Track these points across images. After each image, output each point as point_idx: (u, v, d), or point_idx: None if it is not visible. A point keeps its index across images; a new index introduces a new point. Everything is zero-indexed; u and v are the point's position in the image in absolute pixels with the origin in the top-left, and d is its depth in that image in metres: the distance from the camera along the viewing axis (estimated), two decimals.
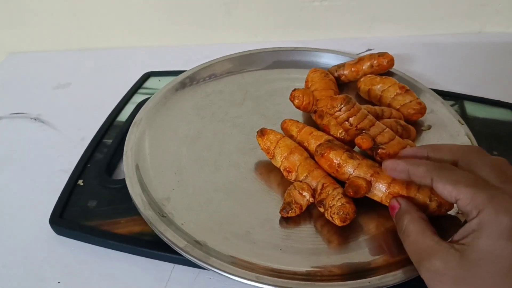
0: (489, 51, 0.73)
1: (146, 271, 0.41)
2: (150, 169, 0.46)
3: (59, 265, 0.41)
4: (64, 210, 0.44)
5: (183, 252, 0.37)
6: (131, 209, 0.42)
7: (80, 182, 0.47)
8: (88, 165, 0.49)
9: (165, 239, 0.38)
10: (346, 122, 0.42)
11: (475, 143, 0.48)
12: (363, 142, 0.41)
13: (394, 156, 0.41)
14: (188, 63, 0.61)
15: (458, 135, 0.49)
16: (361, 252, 0.39)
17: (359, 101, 0.55)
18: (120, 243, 0.41)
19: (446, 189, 0.33)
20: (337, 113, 0.42)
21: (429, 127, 0.51)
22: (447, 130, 0.51)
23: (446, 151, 0.37)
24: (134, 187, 0.43)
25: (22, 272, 0.41)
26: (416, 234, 0.34)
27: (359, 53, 0.70)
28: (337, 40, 0.75)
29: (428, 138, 0.50)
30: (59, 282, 0.40)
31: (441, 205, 0.39)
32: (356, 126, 0.42)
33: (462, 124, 0.50)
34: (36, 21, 0.73)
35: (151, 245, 0.41)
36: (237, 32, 0.75)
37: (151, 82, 0.63)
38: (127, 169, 0.45)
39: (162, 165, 0.47)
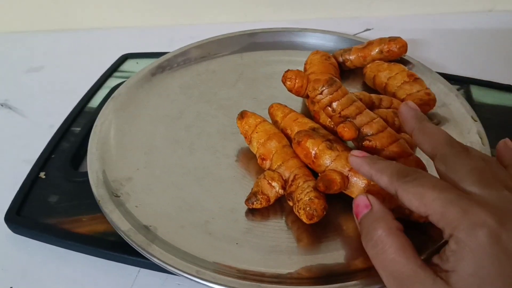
0: (500, 32, 0.67)
1: (109, 275, 0.37)
2: (117, 147, 0.44)
3: (13, 267, 0.38)
4: (22, 206, 0.41)
5: (124, 236, 0.34)
6: (95, 206, 0.38)
7: (42, 174, 0.44)
8: (53, 156, 0.46)
9: (109, 220, 0.36)
10: (328, 107, 0.38)
11: (486, 142, 0.42)
12: (344, 131, 0.36)
13: (381, 148, 0.36)
14: (171, 45, 0.58)
15: (469, 132, 0.43)
16: (329, 255, 0.34)
17: (364, 89, 0.51)
18: (81, 243, 0.38)
19: (412, 205, 0.28)
20: (319, 97, 0.38)
21: (438, 122, 0.46)
22: (457, 127, 0.45)
23: (428, 141, 0.32)
24: (94, 163, 0.41)
25: None
26: (395, 252, 0.28)
27: (356, 33, 0.64)
28: (333, 19, 0.70)
29: None
30: (11, 287, 0.37)
31: None
32: (340, 113, 0.37)
33: (476, 121, 0.44)
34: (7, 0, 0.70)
35: (114, 246, 0.37)
36: (224, 11, 0.71)
37: (128, 65, 0.60)
38: (91, 144, 0.42)
39: (133, 143, 0.44)
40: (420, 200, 0.28)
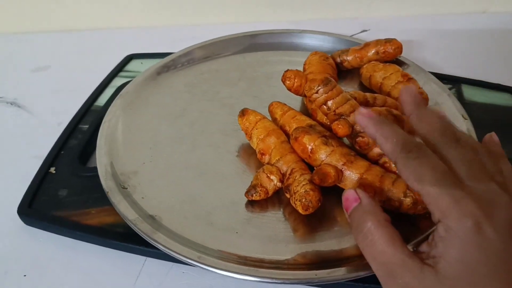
0: (493, 32, 0.68)
1: (117, 264, 0.39)
2: (124, 142, 0.46)
3: (26, 257, 0.40)
4: (33, 199, 0.43)
5: (131, 225, 0.36)
6: (103, 199, 0.40)
7: (52, 170, 0.46)
8: (62, 152, 0.48)
9: (117, 210, 0.38)
10: (324, 105, 0.40)
11: (475, 139, 0.44)
12: (339, 128, 0.39)
13: (374, 144, 0.39)
14: (174, 45, 0.60)
15: None
16: (324, 244, 0.36)
17: (361, 88, 0.53)
18: (90, 234, 0.40)
19: (409, 181, 0.30)
20: (314, 96, 0.40)
21: None
22: None
23: (423, 128, 0.33)
24: (102, 157, 0.43)
25: None
26: (384, 244, 0.29)
27: (353, 35, 0.66)
28: (332, 20, 0.72)
29: None
30: (25, 275, 0.39)
31: (417, 202, 0.35)
32: (334, 111, 0.39)
33: (466, 119, 0.46)
34: (15, 1, 0.72)
35: (122, 237, 0.39)
36: (225, 12, 0.73)
37: (133, 65, 0.62)
38: (100, 139, 0.44)
39: (139, 139, 0.46)
40: (417, 180, 0.29)
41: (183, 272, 0.38)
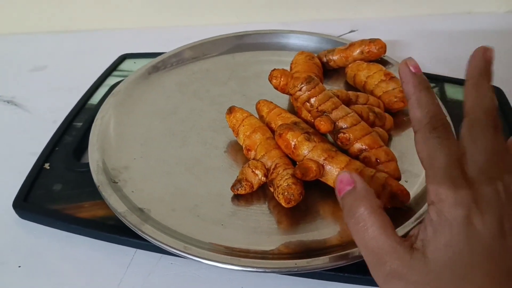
0: (477, 32, 0.70)
1: (108, 256, 0.40)
2: (116, 138, 0.47)
3: (21, 249, 0.41)
4: (28, 193, 0.44)
5: (121, 217, 0.38)
6: (95, 193, 0.42)
7: (47, 165, 0.47)
8: (56, 148, 0.49)
9: (107, 203, 0.39)
10: (307, 103, 0.41)
11: None
12: (321, 124, 0.40)
13: (355, 140, 0.40)
14: (167, 45, 0.62)
15: None
16: (306, 235, 0.38)
17: (346, 87, 0.55)
18: (83, 227, 0.41)
19: (420, 154, 0.30)
20: (298, 93, 0.41)
21: None
22: None
23: (472, 99, 0.31)
24: (94, 153, 0.44)
25: None
26: (376, 230, 0.29)
27: (341, 35, 0.68)
28: (321, 21, 0.74)
29: (407, 129, 0.48)
30: (19, 266, 0.40)
31: (395, 196, 0.37)
32: (317, 108, 0.41)
33: (446, 116, 0.48)
34: (13, 2, 0.73)
35: (113, 229, 0.40)
36: (217, 13, 0.75)
37: (126, 65, 0.63)
38: (92, 136, 0.46)
39: (130, 135, 0.48)
40: (429, 158, 0.29)
41: (171, 263, 0.40)
